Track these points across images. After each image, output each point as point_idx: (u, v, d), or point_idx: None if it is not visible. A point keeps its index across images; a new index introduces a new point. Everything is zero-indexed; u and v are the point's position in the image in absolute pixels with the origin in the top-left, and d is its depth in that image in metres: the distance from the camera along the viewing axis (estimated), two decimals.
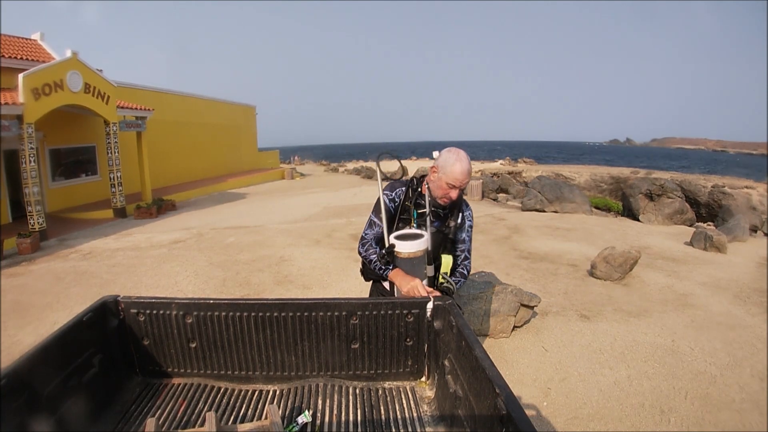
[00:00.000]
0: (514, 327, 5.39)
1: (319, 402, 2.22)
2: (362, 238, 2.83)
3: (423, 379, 2.49)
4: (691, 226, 13.55)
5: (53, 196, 14.70)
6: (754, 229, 12.90)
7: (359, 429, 2.06)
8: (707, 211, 19.78)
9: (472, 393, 1.83)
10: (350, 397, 2.25)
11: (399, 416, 2.15)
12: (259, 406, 2.23)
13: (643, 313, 6.05)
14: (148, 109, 16.02)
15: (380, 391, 2.34)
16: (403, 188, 2.78)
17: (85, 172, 16.16)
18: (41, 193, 11.43)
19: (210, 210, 15.55)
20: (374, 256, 2.73)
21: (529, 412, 3.81)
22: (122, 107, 14.80)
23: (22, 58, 12.77)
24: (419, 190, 2.75)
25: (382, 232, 2.73)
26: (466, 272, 2.88)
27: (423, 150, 63.84)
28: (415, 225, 2.71)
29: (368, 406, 2.17)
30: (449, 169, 2.57)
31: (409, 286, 2.57)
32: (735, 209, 15.45)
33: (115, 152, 14.18)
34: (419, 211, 2.72)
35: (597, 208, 18.63)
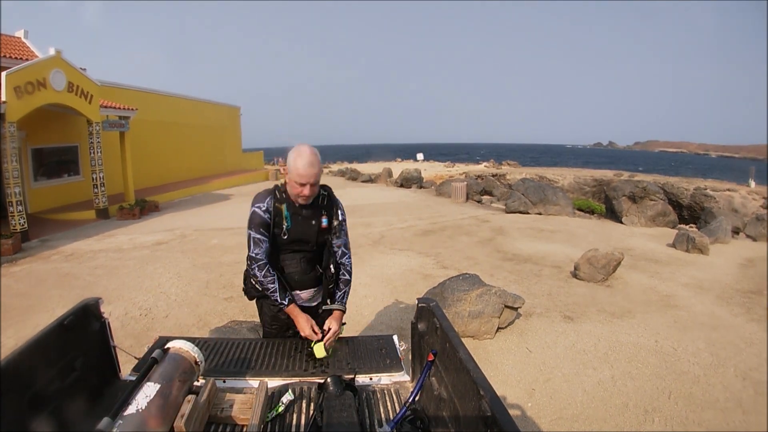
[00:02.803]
0: (498, 328, 5.41)
1: (303, 404, 2.20)
2: (253, 258, 2.72)
3: (407, 380, 2.48)
4: (673, 228, 13.69)
5: (35, 197, 14.46)
6: (736, 231, 13.05)
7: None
8: (689, 213, 20.02)
9: (457, 395, 1.83)
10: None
11: (383, 418, 2.14)
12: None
13: (626, 314, 6.10)
14: (132, 109, 15.85)
15: (365, 393, 2.33)
16: (270, 196, 2.74)
17: (68, 172, 15.92)
18: (23, 193, 11.25)
19: (193, 211, 15.44)
20: (273, 285, 2.72)
21: (513, 413, 3.83)
22: (106, 107, 14.62)
23: (4, 56, 12.59)
24: (285, 191, 2.74)
25: (267, 246, 2.74)
26: (347, 274, 2.95)
27: (409, 152, 63.93)
28: (288, 223, 2.71)
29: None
30: (292, 166, 2.57)
31: (305, 333, 2.72)
32: (717, 211, 15.64)
33: (97, 152, 14.01)
34: (291, 212, 2.72)
35: (580, 210, 18.76)
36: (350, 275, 2.96)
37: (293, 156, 2.58)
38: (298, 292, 2.89)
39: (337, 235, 2.88)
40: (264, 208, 2.70)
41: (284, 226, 2.71)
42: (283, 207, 2.70)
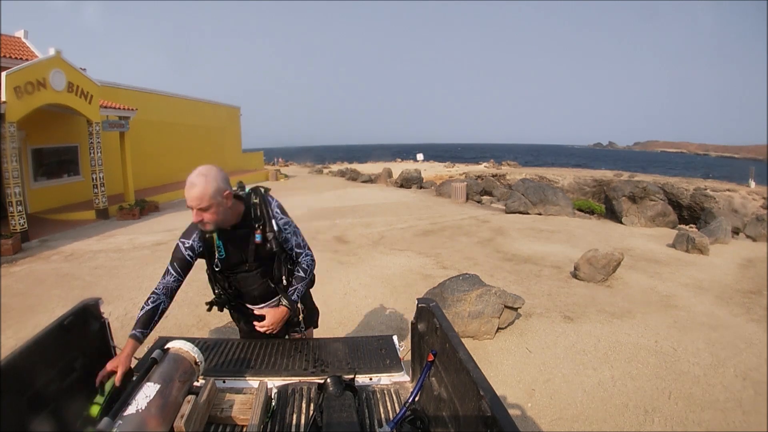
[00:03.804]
0: (498, 329, 5.41)
1: (303, 404, 2.20)
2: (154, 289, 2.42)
3: (407, 380, 2.49)
4: (673, 228, 13.67)
5: (35, 197, 14.46)
6: (736, 231, 13.05)
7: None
8: (689, 214, 20.02)
9: (457, 395, 1.83)
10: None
11: (383, 418, 2.14)
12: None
13: (626, 314, 6.10)
14: (132, 109, 15.87)
15: (364, 393, 2.33)
16: (197, 229, 2.50)
17: (68, 172, 15.94)
18: (23, 193, 11.26)
19: None
20: (140, 313, 2.30)
21: (513, 413, 3.83)
22: (105, 107, 14.64)
23: (4, 56, 12.59)
24: None
25: (174, 281, 2.47)
26: (302, 270, 2.76)
27: (409, 153, 63.91)
28: (221, 253, 2.55)
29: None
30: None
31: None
32: (717, 212, 15.64)
33: (97, 152, 14.02)
34: (223, 239, 2.55)
35: (580, 210, 18.74)
36: (305, 272, 2.76)
37: (188, 180, 2.36)
38: (262, 305, 2.81)
39: (283, 243, 2.68)
40: (188, 245, 2.50)
41: (216, 256, 2.58)
42: (214, 236, 2.53)
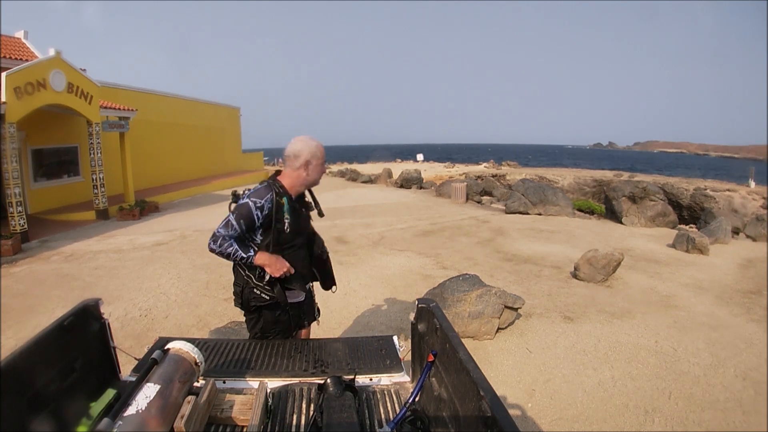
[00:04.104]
0: (498, 329, 5.40)
1: (303, 404, 2.20)
2: (214, 234, 2.70)
3: (407, 381, 2.48)
4: (673, 228, 13.67)
5: (35, 197, 14.46)
6: (735, 231, 13.05)
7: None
8: (689, 214, 20.02)
9: (457, 395, 1.82)
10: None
11: (384, 418, 2.14)
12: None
13: (626, 314, 6.10)
14: (132, 110, 15.86)
15: (365, 394, 2.33)
16: (271, 192, 2.69)
17: (68, 172, 15.92)
18: (23, 194, 11.25)
19: (193, 212, 15.43)
20: (232, 247, 2.67)
21: (513, 413, 3.82)
22: (105, 107, 14.61)
23: (5, 57, 12.58)
24: (282, 185, 2.76)
25: (237, 236, 2.71)
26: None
27: (409, 153, 63.88)
28: (288, 218, 2.73)
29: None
30: (316, 151, 2.72)
31: (277, 267, 2.71)
32: (717, 212, 15.64)
33: (97, 153, 14.00)
34: (290, 205, 2.75)
35: (580, 210, 18.73)
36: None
37: (313, 144, 2.70)
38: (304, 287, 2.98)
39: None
40: (259, 205, 2.65)
41: (287, 221, 2.72)
42: (285, 201, 2.71)
